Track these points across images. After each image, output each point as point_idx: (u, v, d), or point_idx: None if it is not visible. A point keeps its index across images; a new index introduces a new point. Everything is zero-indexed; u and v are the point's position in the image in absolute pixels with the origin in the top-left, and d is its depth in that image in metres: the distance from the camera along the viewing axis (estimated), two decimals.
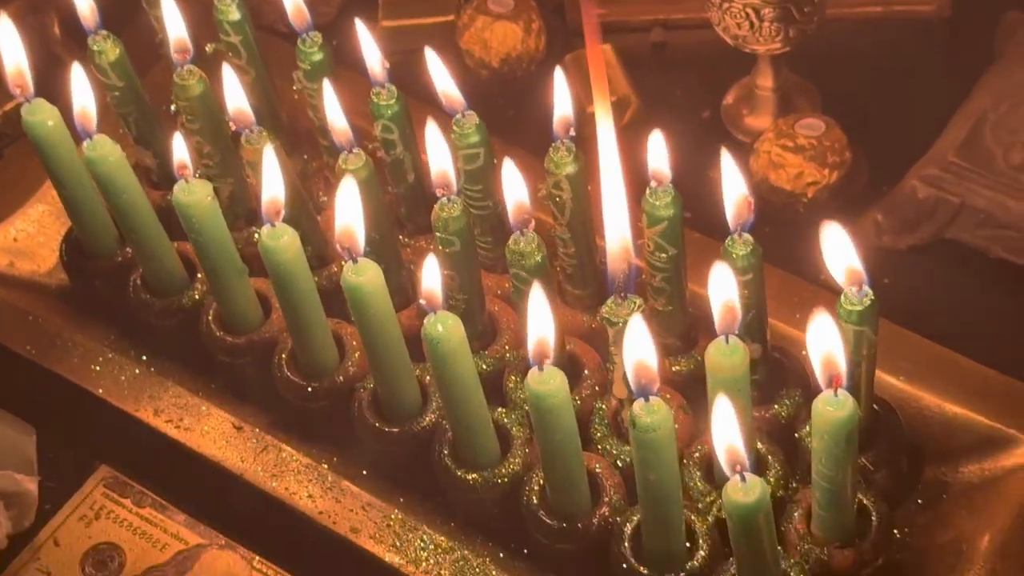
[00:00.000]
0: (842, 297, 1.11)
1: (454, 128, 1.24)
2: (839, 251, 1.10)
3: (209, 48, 1.34)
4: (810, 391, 1.26)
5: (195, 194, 1.22)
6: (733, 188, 1.13)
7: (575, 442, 1.15)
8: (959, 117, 1.40)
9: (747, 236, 1.15)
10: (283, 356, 1.30)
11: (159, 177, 1.41)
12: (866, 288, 1.11)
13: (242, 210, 1.38)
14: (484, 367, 1.28)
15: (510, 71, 1.53)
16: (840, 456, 1.09)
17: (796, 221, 1.42)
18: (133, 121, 1.37)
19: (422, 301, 1.13)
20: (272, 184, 1.18)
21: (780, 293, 1.31)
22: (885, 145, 1.46)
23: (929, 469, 1.25)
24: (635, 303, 1.14)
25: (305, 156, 1.42)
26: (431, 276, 1.13)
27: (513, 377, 1.27)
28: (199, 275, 1.35)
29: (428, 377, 1.26)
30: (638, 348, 1.06)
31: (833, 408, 1.06)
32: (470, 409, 1.19)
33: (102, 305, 1.40)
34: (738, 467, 1.03)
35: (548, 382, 1.10)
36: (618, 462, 1.22)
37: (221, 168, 1.35)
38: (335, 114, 1.22)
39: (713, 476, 1.21)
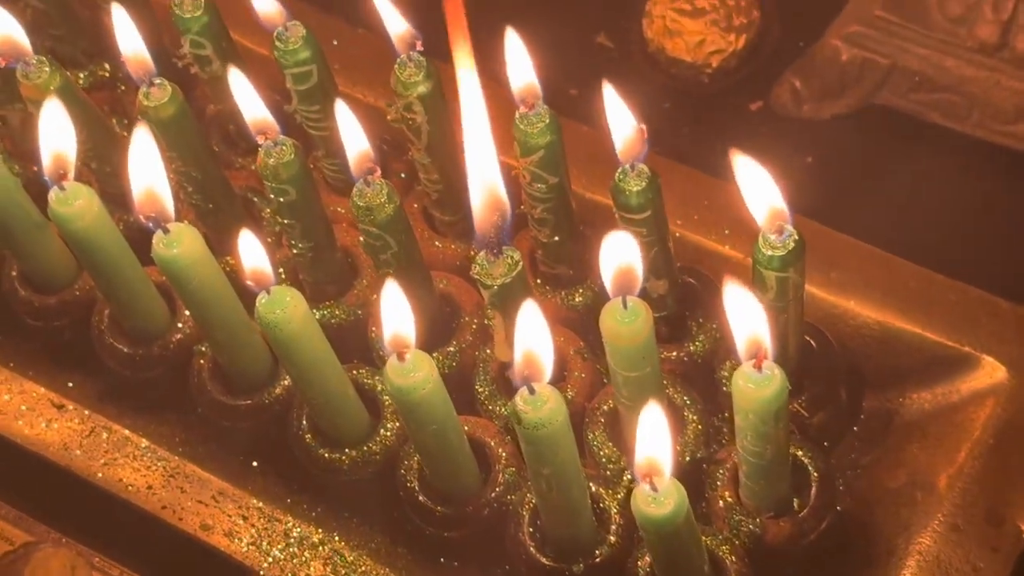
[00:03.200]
0: (760, 241, 0.91)
1: (276, 44, 1.01)
2: (756, 184, 0.90)
3: None
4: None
5: None
6: (620, 123, 0.92)
7: (455, 429, 0.96)
8: None
9: (641, 167, 0.94)
10: (103, 318, 1.09)
11: None
12: (789, 228, 0.90)
13: None
14: (341, 317, 1.08)
15: None
16: (769, 433, 0.90)
17: (700, 94, 1.21)
18: None
19: (249, 282, 0.92)
20: (56, 139, 0.96)
21: (687, 197, 1.11)
22: None
23: (871, 397, 1.07)
24: (511, 259, 0.93)
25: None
26: (251, 252, 0.92)
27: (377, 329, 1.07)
28: None
29: None
30: (525, 334, 0.87)
31: (756, 386, 0.87)
32: (326, 388, 1.00)
33: None
34: (647, 479, 0.84)
35: (412, 373, 0.90)
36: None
37: (6, 93, 1.11)
38: (129, 42, 0.99)
39: (621, 435, 1.02)
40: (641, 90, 1.22)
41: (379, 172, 0.94)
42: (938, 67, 1.14)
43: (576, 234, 1.05)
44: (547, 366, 0.86)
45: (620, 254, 0.89)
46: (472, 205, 0.91)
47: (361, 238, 0.98)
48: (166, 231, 0.94)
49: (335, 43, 1.18)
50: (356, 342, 1.08)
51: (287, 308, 0.92)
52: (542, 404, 0.87)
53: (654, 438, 0.85)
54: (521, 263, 0.93)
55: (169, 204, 0.93)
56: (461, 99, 0.92)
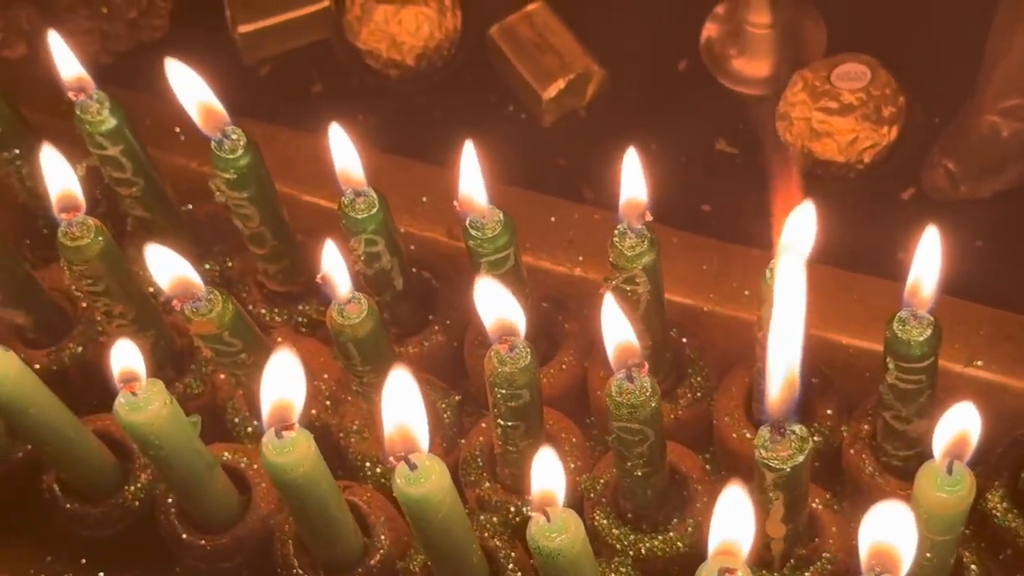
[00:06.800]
0: None
1: (470, 231, 0.91)
2: None
3: (80, 168, 0.97)
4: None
5: (149, 407, 0.88)
6: (920, 272, 0.84)
7: None
8: (1021, 23, 1.11)
9: (921, 313, 0.86)
10: (288, 550, 0.98)
11: (35, 334, 1.06)
12: None
13: (166, 357, 1.03)
14: None
15: (429, 64, 1.19)
16: None
17: (845, 190, 1.13)
18: None
19: (534, 514, 0.82)
20: (282, 386, 0.85)
21: (878, 311, 1.03)
22: (924, 69, 1.17)
23: None
24: (798, 438, 0.84)
25: (231, 264, 1.08)
26: (548, 473, 0.82)
27: (605, 521, 0.97)
28: (139, 460, 1.01)
29: (492, 540, 0.97)
30: (872, 531, 0.78)
31: None
32: None
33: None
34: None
35: None
36: None
37: (138, 324, 1.00)
38: (338, 270, 0.89)
39: None
40: (779, 194, 1.15)
41: (647, 368, 0.84)
42: None
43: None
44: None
45: (958, 420, 0.81)
46: (769, 387, 0.82)
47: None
48: (413, 467, 0.83)
49: None
50: None
51: (569, 532, 0.82)
52: None
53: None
54: (810, 441, 0.84)
55: (424, 439, 0.83)
56: (779, 280, 0.83)
